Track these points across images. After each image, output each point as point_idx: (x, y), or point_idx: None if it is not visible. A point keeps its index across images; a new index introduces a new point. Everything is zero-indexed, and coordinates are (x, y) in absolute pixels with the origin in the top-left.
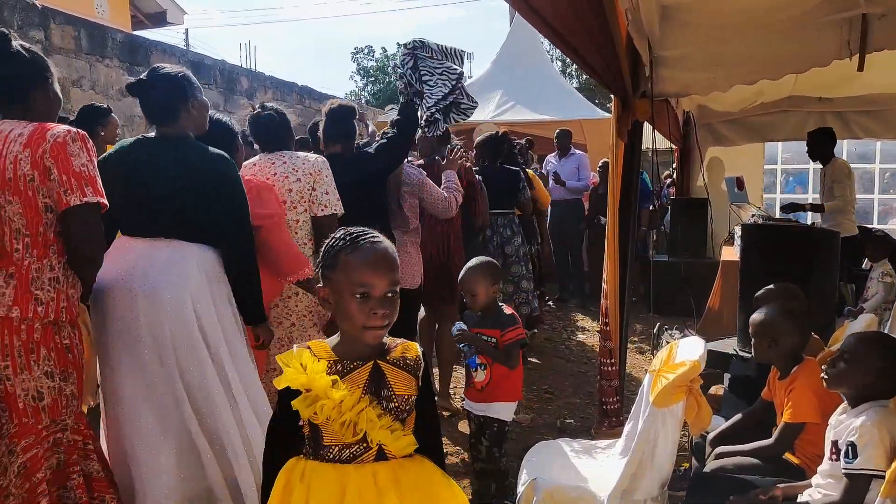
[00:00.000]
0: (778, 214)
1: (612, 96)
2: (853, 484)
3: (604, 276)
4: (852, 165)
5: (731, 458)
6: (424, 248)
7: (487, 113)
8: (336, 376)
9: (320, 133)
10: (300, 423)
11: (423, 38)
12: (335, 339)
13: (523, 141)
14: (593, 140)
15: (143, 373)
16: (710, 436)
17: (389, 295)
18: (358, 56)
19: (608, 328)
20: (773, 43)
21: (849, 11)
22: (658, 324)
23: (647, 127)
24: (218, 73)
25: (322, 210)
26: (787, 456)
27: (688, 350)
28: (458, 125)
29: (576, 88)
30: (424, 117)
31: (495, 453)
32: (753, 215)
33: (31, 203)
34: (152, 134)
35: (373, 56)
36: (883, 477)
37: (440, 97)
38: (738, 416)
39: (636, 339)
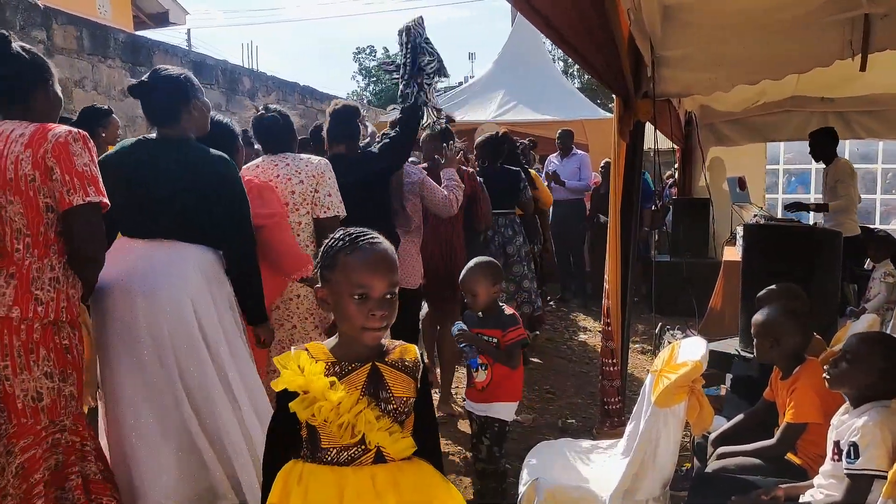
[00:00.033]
0: (781, 214)
1: (613, 96)
2: (855, 484)
3: (605, 277)
4: (854, 166)
5: (733, 459)
6: (426, 248)
7: (489, 113)
8: (334, 378)
9: (324, 134)
10: (299, 425)
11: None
12: (333, 340)
13: (526, 141)
14: (595, 140)
15: (143, 373)
16: (712, 436)
17: (388, 296)
18: (360, 56)
19: (610, 328)
20: (775, 43)
21: (851, 11)
22: (660, 324)
23: (648, 127)
24: (220, 74)
25: (325, 212)
26: (789, 456)
27: (689, 350)
28: (459, 125)
29: (578, 88)
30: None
31: (496, 453)
32: (755, 215)
33: (32, 203)
34: (153, 135)
35: (374, 56)
36: (885, 477)
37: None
38: (739, 417)
39: (638, 339)
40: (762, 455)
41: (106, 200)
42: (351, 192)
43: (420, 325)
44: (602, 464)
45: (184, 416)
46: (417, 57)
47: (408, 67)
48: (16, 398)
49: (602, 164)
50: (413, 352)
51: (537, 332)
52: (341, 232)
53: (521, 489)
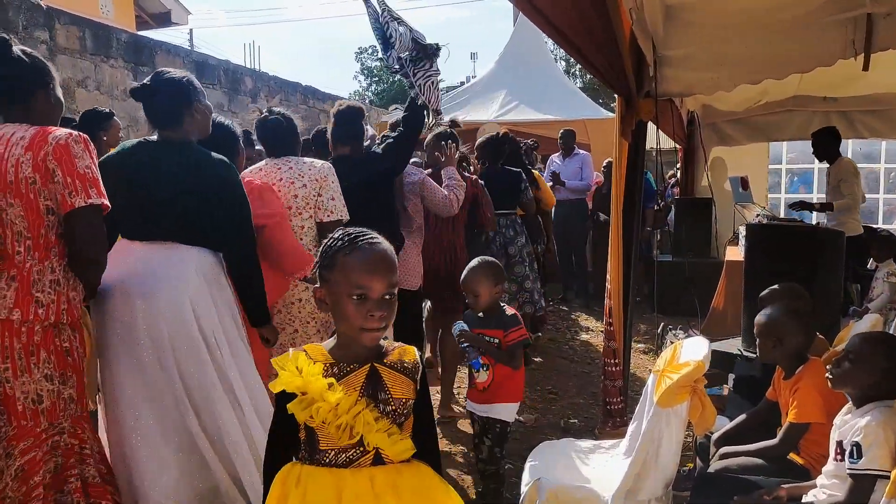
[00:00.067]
0: (784, 213)
1: (615, 96)
2: (858, 484)
3: (608, 276)
4: (857, 165)
5: (736, 459)
6: (427, 250)
7: (491, 113)
8: (332, 379)
9: (328, 135)
10: (299, 426)
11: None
12: (332, 341)
13: (529, 141)
14: (597, 140)
15: (143, 374)
16: (715, 436)
17: (387, 297)
18: (362, 56)
19: (612, 328)
20: (777, 42)
21: (854, 11)
22: (662, 324)
23: (651, 127)
24: (222, 73)
25: (328, 216)
26: (792, 456)
27: (692, 350)
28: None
29: (580, 88)
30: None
31: (497, 454)
32: (758, 215)
33: (33, 206)
34: (154, 137)
35: (376, 56)
36: (888, 477)
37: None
38: (742, 417)
39: (640, 339)
40: (765, 455)
41: (107, 202)
42: (355, 193)
43: (423, 326)
44: (604, 464)
45: (184, 416)
46: (384, 32)
47: (380, 45)
48: (16, 400)
49: (604, 164)
50: (412, 353)
51: (539, 334)
52: (340, 232)
53: (524, 489)
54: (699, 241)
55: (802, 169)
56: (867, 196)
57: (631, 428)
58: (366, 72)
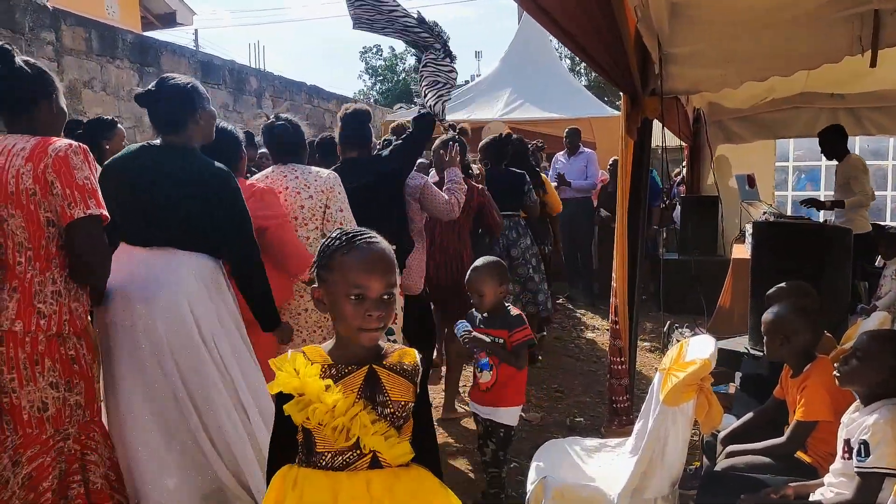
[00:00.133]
0: (790, 211)
1: (621, 94)
2: (866, 483)
3: (613, 275)
4: (866, 162)
5: (743, 457)
6: (434, 259)
7: (496, 111)
8: (329, 380)
9: (336, 139)
10: (297, 428)
11: None
12: (330, 342)
13: (536, 142)
14: (602, 138)
15: (143, 377)
16: (722, 434)
17: (386, 297)
18: (366, 55)
19: (618, 326)
20: (784, 39)
21: (861, 7)
22: (668, 322)
23: (656, 124)
24: (227, 74)
25: (337, 228)
26: (799, 455)
27: (698, 348)
28: (465, 123)
29: (585, 86)
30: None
31: (500, 457)
32: (765, 213)
33: (34, 217)
34: (158, 141)
35: (381, 55)
36: None
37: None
38: (749, 415)
39: (646, 337)
40: (772, 453)
41: (106, 213)
42: (363, 195)
43: (433, 327)
44: (610, 462)
45: (185, 418)
46: (393, 24)
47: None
48: (21, 409)
49: (610, 163)
50: (412, 355)
51: (544, 332)
52: (338, 231)
53: (529, 488)
54: (705, 239)
55: (809, 166)
56: (875, 193)
57: (637, 426)
58: (370, 71)
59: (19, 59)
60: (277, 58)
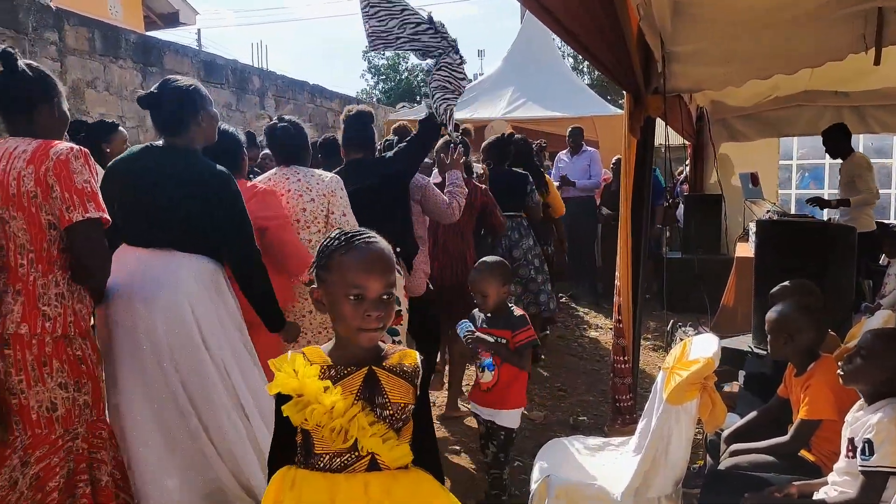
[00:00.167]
0: (794, 210)
1: (624, 93)
2: (870, 481)
3: (617, 274)
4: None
5: (747, 456)
6: (437, 261)
7: (499, 110)
8: (328, 381)
9: (339, 141)
10: (297, 429)
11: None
12: (330, 343)
13: (540, 142)
14: (605, 137)
15: (144, 377)
16: (725, 433)
17: (385, 297)
18: (369, 54)
19: (621, 325)
20: (787, 37)
21: (864, 4)
22: (672, 321)
23: (659, 123)
24: (230, 73)
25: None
26: (803, 453)
27: (701, 347)
28: (468, 122)
29: (588, 85)
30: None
31: (501, 459)
32: (768, 211)
33: (35, 220)
34: (160, 142)
35: (384, 55)
36: None
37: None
38: (753, 414)
39: (650, 336)
40: (776, 452)
41: (106, 216)
42: (367, 196)
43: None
44: (613, 461)
45: (186, 420)
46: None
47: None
48: (30, 410)
49: (613, 161)
50: (413, 357)
51: (547, 332)
52: (337, 231)
53: (533, 487)
54: (709, 237)
55: (813, 164)
56: (879, 191)
57: (640, 425)
58: (373, 70)
59: (21, 63)
60: (280, 57)
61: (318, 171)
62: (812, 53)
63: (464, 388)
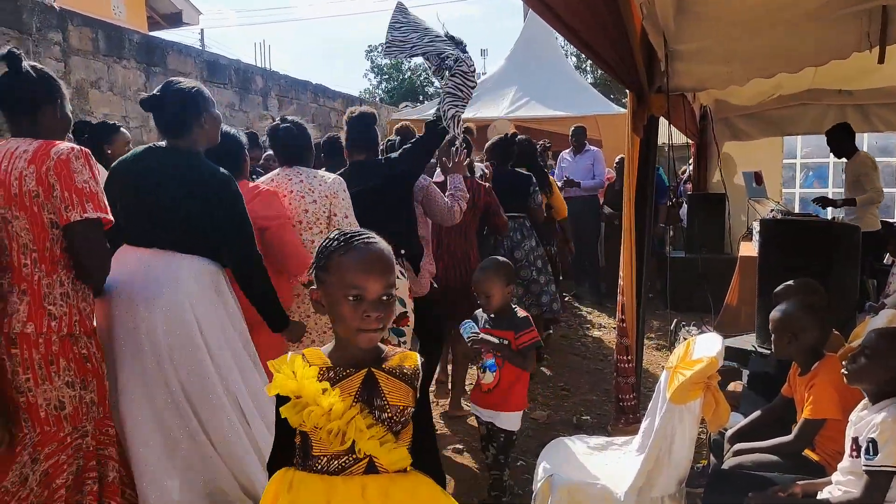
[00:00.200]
0: (798, 208)
1: (627, 91)
2: (874, 481)
3: (620, 273)
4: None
5: (750, 455)
6: (441, 261)
7: (502, 109)
8: (327, 383)
9: (343, 142)
10: (296, 431)
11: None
12: (330, 345)
13: (543, 142)
14: (608, 136)
15: (145, 378)
16: (729, 433)
17: (384, 298)
18: (372, 54)
19: (625, 325)
20: (791, 36)
21: (868, 3)
22: (675, 320)
23: (663, 122)
24: (233, 73)
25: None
26: (807, 453)
27: (705, 346)
28: (471, 121)
29: (591, 84)
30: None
31: (501, 460)
32: (772, 210)
33: (37, 219)
34: (163, 143)
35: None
36: None
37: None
38: (757, 413)
39: (653, 335)
40: (780, 451)
41: (106, 216)
42: (370, 198)
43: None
44: (617, 460)
45: (186, 421)
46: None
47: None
48: (38, 408)
49: (616, 160)
50: (413, 359)
51: (550, 332)
52: (336, 232)
53: (536, 486)
54: (712, 236)
55: (817, 163)
56: (884, 190)
57: (644, 424)
58: (376, 69)
59: (26, 64)
60: (283, 56)
61: (321, 173)
62: (816, 52)
63: (467, 388)
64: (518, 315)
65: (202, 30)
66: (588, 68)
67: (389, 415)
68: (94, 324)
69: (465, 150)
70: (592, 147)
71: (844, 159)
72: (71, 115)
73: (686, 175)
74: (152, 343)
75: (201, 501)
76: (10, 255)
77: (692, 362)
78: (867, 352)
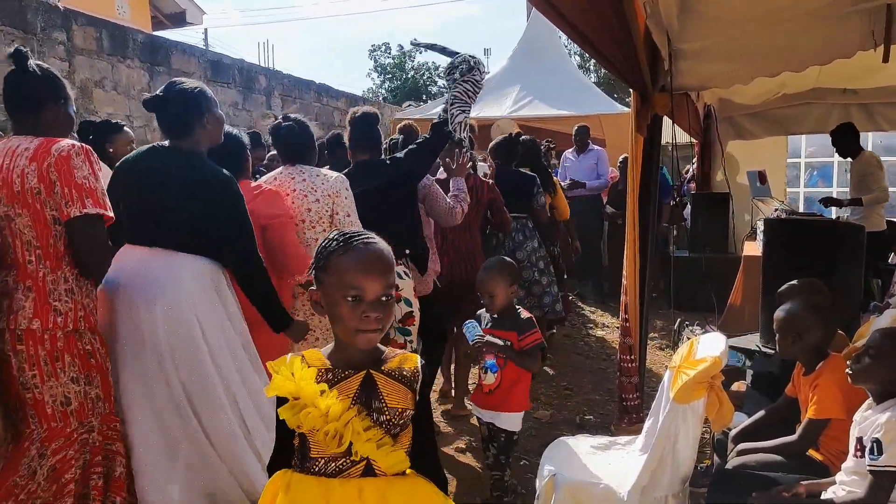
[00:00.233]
0: (802, 208)
1: (630, 91)
2: (878, 481)
3: (623, 272)
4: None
5: (754, 455)
6: (446, 259)
7: (505, 108)
8: (325, 385)
9: (346, 142)
10: (295, 432)
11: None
12: (330, 346)
13: (546, 141)
14: (612, 135)
15: (145, 377)
16: (733, 432)
17: (383, 298)
18: (375, 53)
19: (628, 324)
20: (795, 34)
21: (873, 1)
22: (679, 320)
23: (666, 121)
24: (236, 72)
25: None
26: (811, 453)
27: (709, 346)
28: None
29: (594, 83)
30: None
31: (502, 461)
32: (776, 209)
33: (40, 216)
34: (166, 143)
35: (390, 53)
36: None
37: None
38: (761, 413)
39: (656, 335)
40: (783, 451)
41: (108, 213)
42: (375, 197)
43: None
44: (620, 460)
45: (186, 422)
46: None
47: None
48: (45, 404)
49: (620, 160)
50: (413, 361)
51: (553, 331)
52: (336, 233)
53: (539, 486)
54: (716, 236)
55: (822, 162)
56: (889, 189)
57: (647, 424)
58: (379, 69)
59: (32, 62)
60: (286, 56)
61: (324, 171)
62: (820, 50)
63: (470, 387)
64: (522, 316)
65: (206, 29)
66: (591, 67)
67: (388, 417)
68: (97, 319)
69: (469, 153)
70: (596, 146)
71: (849, 159)
72: (75, 116)
73: (690, 174)
74: (153, 343)
75: (201, 502)
76: (14, 252)
77: (696, 362)
78: (871, 351)
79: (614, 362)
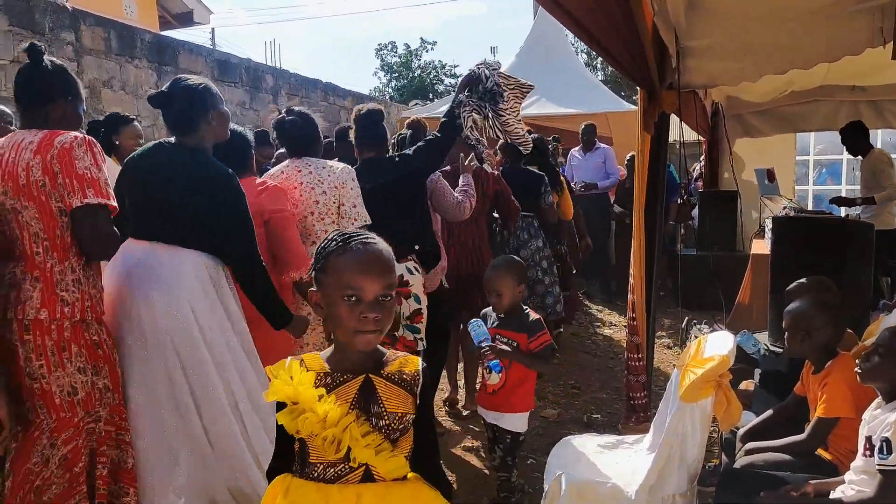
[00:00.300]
0: (811, 206)
1: (638, 88)
2: (888, 480)
3: (631, 271)
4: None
5: (762, 454)
6: (454, 253)
7: None
8: (323, 389)
9: (352, 139)
10: (295, 437)
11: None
12: (330, 350)
13: (550, 138)
14: (619, 133)
15: (146, 375)
16: (741, 431)
17: (383, 299)
18: (381, 52)
19: (635, 323)
20: (803, 32)
21: None
22: (686, 318)
23: (674, 119)
24: (243, 72)
25: (352, 224)
26: (820, 452)
27: (716, 345)
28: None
29: (601, 81)
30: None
31: (508, 462)
32: (785, 207)
33: (46, 208)
34: (172, 139)
35: (396, 52)
36: None
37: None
38: (769, 412)
39: (664, 333)
40: (792, 450)
41: (111, 203)
42: (383, 195)
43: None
44: (628, 459)
45: (186, 422)
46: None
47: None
48: (52, 394)
49: (627, 158)
50: (414, 364)
51: (560, 330)
52: (335, 233)
53: (546, 485)
54: (724, 234)
55: (830, 160)
56: None
57: (654, 423)
58: (385, 68)
59: (46, 58)
60: (293, 55)
61: (330, 163)
62: (828, 48)
63: (478, 385)
64: (530, 317)
65: (213, 29)
66: (598, 65)
67: (387, 422)
68: (104, 310)
69: (480, 145)
70: (602, 145)
71: (859, 157)
72: (83, 115)
73: (697, 172)
74: (156, 339)
75: (199, 501)
76: (22, 244)
77: (703, 360)
78: (881, 350)
79: (622, 361)
